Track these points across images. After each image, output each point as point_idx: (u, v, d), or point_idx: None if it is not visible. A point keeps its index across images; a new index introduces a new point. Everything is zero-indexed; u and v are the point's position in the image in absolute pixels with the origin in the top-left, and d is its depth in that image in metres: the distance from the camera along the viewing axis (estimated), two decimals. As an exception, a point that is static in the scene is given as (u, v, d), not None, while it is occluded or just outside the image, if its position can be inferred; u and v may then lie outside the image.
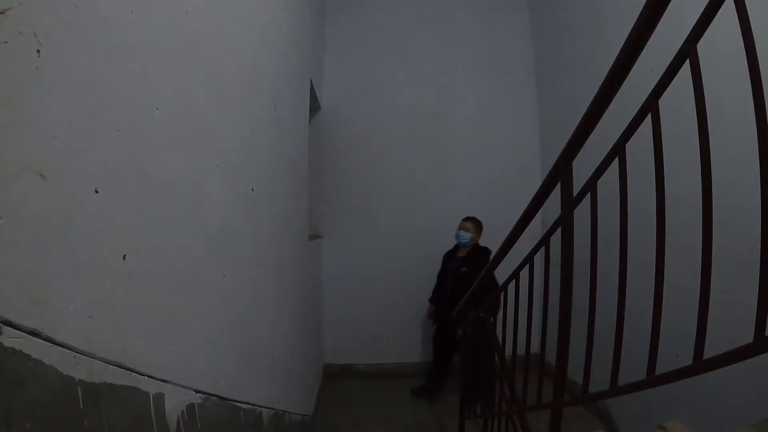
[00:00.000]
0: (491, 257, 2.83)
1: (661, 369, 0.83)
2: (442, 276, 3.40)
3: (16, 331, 0.48)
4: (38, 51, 0.52)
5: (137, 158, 0.76)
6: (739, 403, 1.55)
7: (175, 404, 0.86)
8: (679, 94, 0.83)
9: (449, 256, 3.37)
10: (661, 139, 0.86)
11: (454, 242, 3.31)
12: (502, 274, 1.75)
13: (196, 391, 0.97)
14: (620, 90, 0.94)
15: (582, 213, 1.11)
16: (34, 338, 0.51)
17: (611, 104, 0.98)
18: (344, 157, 3.65)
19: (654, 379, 0.83)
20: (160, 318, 0.82)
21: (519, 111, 3.80)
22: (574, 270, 1.15)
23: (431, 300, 3.46)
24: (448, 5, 3.82)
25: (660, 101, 0.86)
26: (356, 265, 3.67)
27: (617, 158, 0.98)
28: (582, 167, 1.15)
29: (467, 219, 3.25)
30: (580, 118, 1.04)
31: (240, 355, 1.31)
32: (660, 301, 0.86)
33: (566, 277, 1.14)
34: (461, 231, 3.19)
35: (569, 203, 1.14)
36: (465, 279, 2.98)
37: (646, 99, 0.87)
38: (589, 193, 1.08)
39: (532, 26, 3.83)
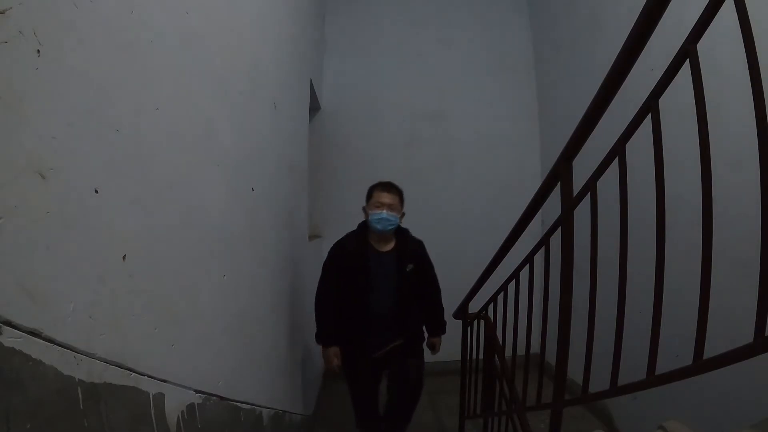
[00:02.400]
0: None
1: (661, 369, 0.83)
2: (352, 283, 2.00)
3: (16, 331, 0.48)
4: (38, 51, 0.52)
5: (137, 158, 0.76)
6: (739, 403, 1.55)
7: (175, 404, 0.86)
8: (679, 94, 0.83)
9: (358, 253, 2.01)
10: (661, 139, 0.86)
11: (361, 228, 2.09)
12: (502, 274, 1.75)
13: (196, 391, 0.97)
14: (620, 90, 0.94)
15: (582, 213, 1.11)
16: (34, 338, 0.51)
17: (611, 104, 0.98)
18: (344, 157, 3.65)
19: (654, 379, 0.83)
20: (160, 318, 0.82)
21: (519, 111, 3.80)
22: (574, 270, 1.15)
23: (327, 339, 2.06)
24: (448, 5, 3.82)
25: (660, 101, 0.86)
26: (356, 265, 3.67)
27: (617, 158, 0.98)
28: (582, 167, 1.15)
29: (388, 188, 1.98)
30: (580, 118, 1.04)
31: (240, 355, 1.31)
32: (660, 301, 0.86)
33: (566, 277, 1.14)
34: (386, 212, 1.92)
35: (569, 203, 1.13)
36: (412, 281, 2.03)
37: (646, 99, 0.87)
38: (589, 193, 1.08)
39: (532, 26, 3.83)
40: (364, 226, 2.07)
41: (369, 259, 2.01)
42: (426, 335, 2.27)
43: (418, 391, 2.19)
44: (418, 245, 2.15)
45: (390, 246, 2.06)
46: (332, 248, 2.11)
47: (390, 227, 1.97)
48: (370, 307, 2.01)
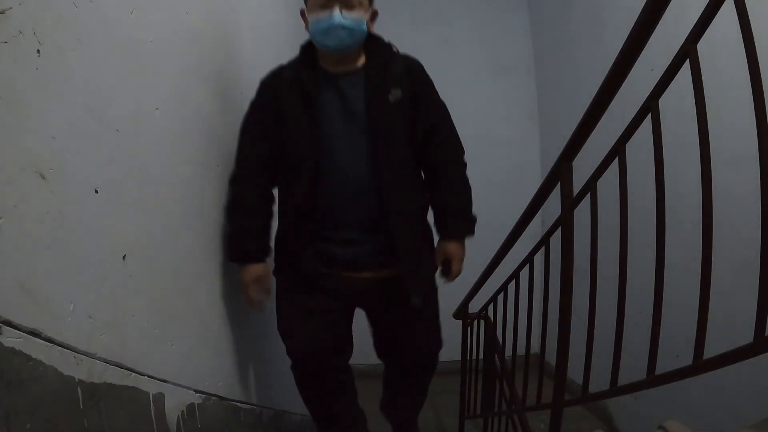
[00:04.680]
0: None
1: (661, 369, 0.83)
2: (290, 137, 1.14)
3: (16, 331, 0.48)
4: (38, 51, 0.52)
5: (137, 158, 0.76)
6: (739, 403, 1.55)
7: (175, 404, 0.86)
8: (679, 94, 0.83)
9: (299, 80, 1.14)
10: (661, 139, 0.86)
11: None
12: (502, 274, 1.75)
13: (196, 391, 0.97)
14: (620, 90, 0.94)
15: (582, 213, 1.11)
16: (34, 338, 0.51)
17: (611, 104, 0.98)
18: (344, 157, 3.64)
19: (654, 379, 0.83)
20: (160, 318, 0.82)
21: (519, 111, 3.79)
22: (574, 270, 1.15)
23: (243, 249, 1.15)
24: (448, 5, 3.81)
25: (660, 101, 0.86)
26: (356, 265, 3.66)
27: (617, 158, 0.98)
28: (582, 167, 1.15)
29: None
30: (580, 118, 1.04)
31: (240, 355, 1.31)
32: (660, 301, 0.86)
33: (566, 277, 1.14)
34: (339, 12, 1.04)
35: (569, 203, 1.13)
36: (404, 123, 1.17)
37: (646, 99, 0.87)
38: (589, 193, 1.08)
39: (532, 26, 3.83)
40: (310, 48, 1.17)
41: (319, 86, 1.12)
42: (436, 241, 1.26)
43: (429, 365, 1.30)
44: (412, 64, 1.22)
45: (357, 65, 1.16)
46: (258, 87, 1.20)
47: (351, 43, 1.09)
48: (325, 176, 1.10)
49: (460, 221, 1.26)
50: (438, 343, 1.30)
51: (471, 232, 1.29)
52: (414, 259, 1.17)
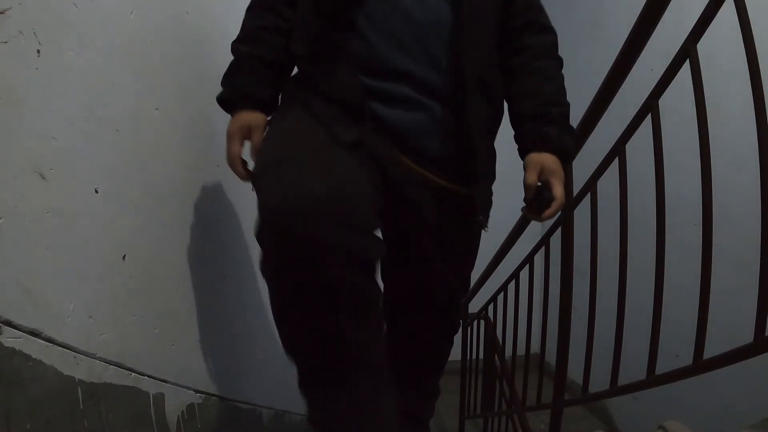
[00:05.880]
0: None
1: (661, 369, 0.83)
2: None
3: (16, 331, 0.48)
4: (38, 51, 0.52)
5: (137, 158, 0.76)
6: (739, 403, 1.55)
7: (175, 404, 0.86)
8: (679, 94, 0.83)
9: None
10: (661, 139, 0.86)
11: None
12: (502, 274, 1.75)
13: (196, 391, 0.97)
14: (620, 90, 0.94)
15: (582, 213, 1.11)
16: (34, 338, 0.51)
17: (611, 104, 0.98)
18: (344, 157, 3.63)
19: (654, 379, 0.83)
20: (160, 318, 0.82)
21: (519, 111, 3.79)
22: (574, 270, 1.15)
23: (245, 89, 0.82)
24: (448, 5, 3.81)
25: (660, 101, 0.86)
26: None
27: (617, 158, 0.98)
28: (582, 167, 1.15)
29: None
30: (580, 118, 1.04)
31: (240, 355, 1.31)
32: (660, 301, 0.86)
33: (566, 277, 1.14)
34: None
35: (569, 203, 1.14)
36: None
37: (646, 99, 0.87)
38: (589, 193, 1.08)
39: (532, 26, 3.83)
40: None
41: None
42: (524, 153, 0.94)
43: (450, 316, 1.03)
44: None
45: None
46: None
47: None
48: None
49: (567, 129, 0.87)
50: (466, 287, 1.00)
51: (574, 151, 0.90)
52: (489, 163, 0.92)
